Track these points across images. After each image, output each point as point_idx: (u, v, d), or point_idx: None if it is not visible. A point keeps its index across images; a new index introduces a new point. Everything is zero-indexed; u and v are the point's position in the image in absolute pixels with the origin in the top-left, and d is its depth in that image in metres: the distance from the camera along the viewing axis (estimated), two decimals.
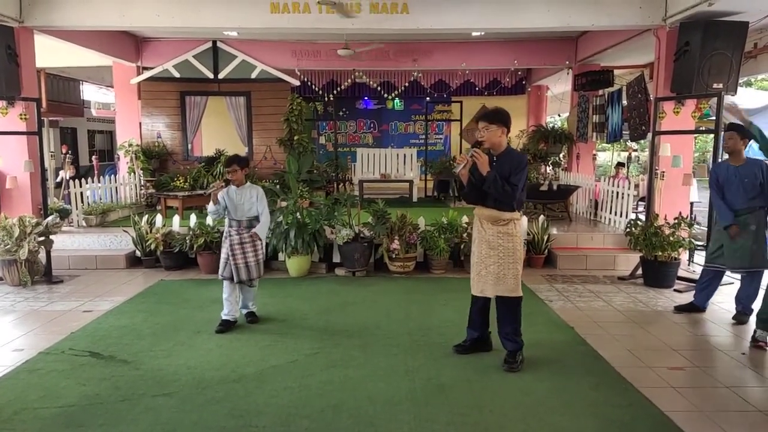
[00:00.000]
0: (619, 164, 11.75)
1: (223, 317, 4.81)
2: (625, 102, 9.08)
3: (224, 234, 4.84)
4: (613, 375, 3.87)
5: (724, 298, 5.56)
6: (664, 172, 7.19)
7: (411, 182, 10.82)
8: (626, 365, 4.01)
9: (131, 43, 10.29)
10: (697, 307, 5.34)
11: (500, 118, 3.85)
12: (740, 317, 5.06)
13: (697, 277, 6.37)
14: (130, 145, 10.18)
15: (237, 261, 4.70)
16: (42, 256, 6.46)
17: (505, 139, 3.89)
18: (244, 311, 5.00)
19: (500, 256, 3.87)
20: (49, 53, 8.98)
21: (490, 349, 4.23)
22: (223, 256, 4.78)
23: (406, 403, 3.45)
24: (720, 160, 5.73)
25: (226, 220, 4.83)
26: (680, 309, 5.38)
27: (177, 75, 10.48)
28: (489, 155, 3.86)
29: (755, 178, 4.87)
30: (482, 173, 3.78)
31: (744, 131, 5.02)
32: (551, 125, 12.99)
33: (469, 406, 3.41)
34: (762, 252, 4.91)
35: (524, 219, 7.04)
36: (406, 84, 12.81)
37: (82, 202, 8.14)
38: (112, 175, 9.40)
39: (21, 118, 7.28)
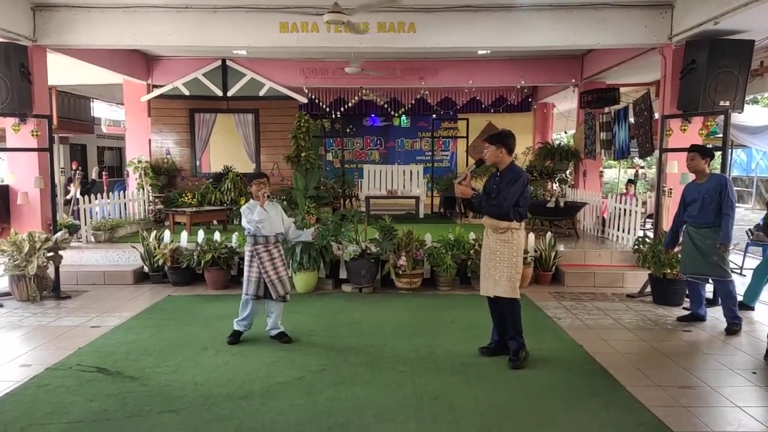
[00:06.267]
0: (630, 181, 11.75)
1: (238, 328, 4.86)
2: (632, 120, 9.10)
3: (249, 253, 4.77)
4: (623, 394, 3.83)
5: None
6: (671, 189, 7.18)
7: (417, 198, 10.84)
8: (636, 384, 3.98)
9: (142, 61, 10.45)
10: (698, 316, 5.63)
11: (498, 140, 4.31)
12: (731, 328, 5.24)
13: (706, 295, 6.35)
14: (140, 162, 10.30)
15: (271, 277, 4.71)
16: (50, 271, 6.50)
17: (506, 158, 4.31)
18: (275, 332, 4.91)
19: (497, 261, 4.29)
20: (61, 71, 9.12)
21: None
22: (253, 275, 4.73)
23: (413, 421, 3.42)
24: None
25: (250, 239, 4.77)
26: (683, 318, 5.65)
27: (186, 93, 10.61)
28: (496, 170, 4.40)
29: (715, 192, 5.21)
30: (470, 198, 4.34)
31: (705, 150, 5.43)
32: (558, 142, 12.99)
33: (477, 425, 3.38)
34: (724, 264, 5.26)
35: (531, 235, 7.04)
36: (413, 101, 12.94)
37: (91, 217, 8.21)
38: (121, 191, 9.47)
39: (32, 135, 7.39)
